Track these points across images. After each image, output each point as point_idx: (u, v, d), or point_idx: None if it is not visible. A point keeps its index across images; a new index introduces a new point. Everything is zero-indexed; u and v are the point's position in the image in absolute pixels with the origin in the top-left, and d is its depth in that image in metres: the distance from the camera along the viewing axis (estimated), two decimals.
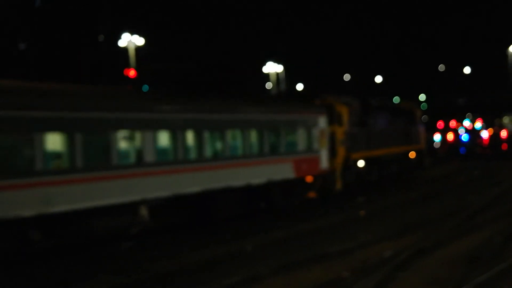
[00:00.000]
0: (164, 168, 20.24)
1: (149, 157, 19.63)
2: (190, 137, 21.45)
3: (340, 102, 31.61)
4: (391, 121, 38.00)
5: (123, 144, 19.28)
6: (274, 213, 25.73)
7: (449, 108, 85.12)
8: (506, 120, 72.91)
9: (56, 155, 17.43)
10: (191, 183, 21.12)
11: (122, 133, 19.16)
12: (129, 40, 52.70)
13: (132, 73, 51.27)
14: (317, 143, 27.85)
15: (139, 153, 19.53)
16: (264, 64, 78.15)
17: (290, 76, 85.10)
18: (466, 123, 75.35)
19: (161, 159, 20.21)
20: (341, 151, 30.67)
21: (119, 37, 53.25)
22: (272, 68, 77.96)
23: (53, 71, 54.14)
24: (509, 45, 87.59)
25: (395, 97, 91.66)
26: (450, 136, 70.76)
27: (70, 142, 17.30)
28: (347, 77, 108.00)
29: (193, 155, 21.50)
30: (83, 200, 17.57)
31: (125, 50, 52.90)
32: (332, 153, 29.62)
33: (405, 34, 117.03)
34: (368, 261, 16.55)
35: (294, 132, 26.63)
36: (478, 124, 73.90)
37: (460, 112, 79.76)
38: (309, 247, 18.93)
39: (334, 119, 30.00)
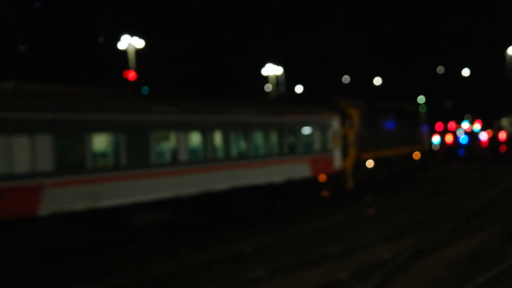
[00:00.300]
0: (195, 166, 21.89)
1: (182, 156, 21.31)
2: (218, 138, 23.10)
3: (351, 104, 33.36)
4: (397, 122, 39.50)
5: (160, 144, 20.91)
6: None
7: (447, 110, 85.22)
8: (504, 122, 72.88)
9: (103, 154, 19.03)
10: (220, 181, 22.77)
11: (159, 134, 20.80)
12: (129, 42, 52.74)
13: (131, 75, 51.29)
14: (331, 144, 29.60)
15: (174, 153, 21.22)
16: (263, 65, 78.21)
17: (289, 78, 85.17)
18: (465, 125, 75.33)
19: (193, 158, 21.84)
20: (352, 152, 32.41)
21: (119, 39, 53.31)
22: (271, 70, 78.02)
23: (53, 72, 54.17)
24: (508, 47, 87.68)
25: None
26: (449, 138, 70.75)
27: (115, 143, 19.07)
28: (346, 78, 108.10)
29: (220, 154, 23.18)
30: (126, 196, 19.21)
31: (124, 52, 52.95)
32: (344, 153, 31.14)
33: (404, 36, 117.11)
34: (368, 262, 16.59)
35: (312, 133, 28.33)
36: (477, 126, 73.89)
37: (459, 114, 79.74)
38: (310, 248, 18.97)
39: (345, 121, 31.75)
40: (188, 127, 21.75)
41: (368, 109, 35.07)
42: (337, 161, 29.97)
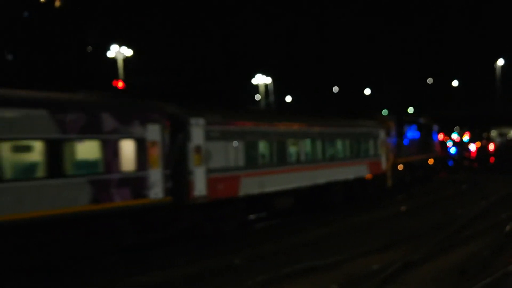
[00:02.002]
0: (308, 165, 29.13)
1: (301, 158, 28.73)
2: (319, 144, 30.39)
3: (388, 118, 42.11)
4: (417, 133, 47.25)
5: (290, 149, 28.06)
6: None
7: (437, 121, 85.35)
8: (493, 133, 73.07)
9: (264, 155, 26.24)
10: (321, 177, 30.13)
11: (291, 141, 28.12)
12: (118, 51, 52.62)
13: (120, 84, 51.15)
14: (380, 150, 36.92)
15: (298, 155, 28.53)
16: (253, 76, 78.21)
17: (278, 88, 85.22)
18: (454, 136, 75.45)
19: (307, 159, 29.12)
20: (391, 157, 39.62)
21: (107, 48, 53.16)
22: (261, 80, 78.05)
23: (41, 81, 53.91)
24: (497, 59, 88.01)
25: (383, 110, 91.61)
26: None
27: (270, 147, 26.54)
28: (335, 89, 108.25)
29: (320, 157, 30.39)
30: (275, 185, 26.50)
31: (113, 61, 52.81)
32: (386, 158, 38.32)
33: (393, 47, 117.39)
34: (356, 273, 16.49)
35: (368, 142, 35.63)
36: (466, 137, 74.02)
37: (448, 125, 79.91)
38: (300, 258, 18.86)
39: (385, 132, 38.81)
40: (304, 136, 29.20)
41: (398, 121, 43.05)
42: (383, 164, 37.46)
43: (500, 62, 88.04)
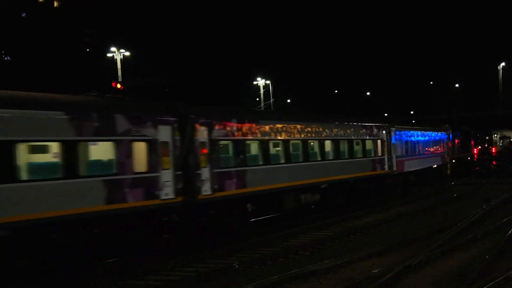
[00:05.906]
0: (420, 156, 45.78)
1: (419, 151, 45.57)
2: (423, 142, 47.16)
3: (446, 126, 57.50)
4: (460, 137, 63.12)
5: (415, 145, 44.85)
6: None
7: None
8: (495, 137, 72.72)
9: (407, 149, 42.68)
10: (425, 163, 47.03)
11: (418, 141, 45.57)
12: (117, 53, 52.38)
13: (119, 85, 50.83)
14: (445, 148, 54.58)
15: (418, 149, 45.52)
16: (253, 79, 78.16)
17: (278, 91, 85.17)
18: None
19: (419, 152, 45.86)
20: (450, 154, 56.32)
21: (106, 50, 52.94)
22: (260, 83, 78.00)
23: (40, 82, 53.67)
24: (500, 62, 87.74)
25: (385, 114, 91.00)
26: None
27: (410, 144, 43.39)
28: (338, 92, 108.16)
29: (425, 150, 47.63)
30: (412, 167, 43.35)
31: (112, 62, 52.58)
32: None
33: (394, 50, 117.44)
34: (357, 277, 16.11)
35: (440, 141, 53.11)
36: None
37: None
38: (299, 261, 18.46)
39: (447, 135, 57.11)
40: (418, 136, 45.99)
41: (452, 128, 58.50)
42: (447, 157, 54.97)
43: (502, 65, 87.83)
